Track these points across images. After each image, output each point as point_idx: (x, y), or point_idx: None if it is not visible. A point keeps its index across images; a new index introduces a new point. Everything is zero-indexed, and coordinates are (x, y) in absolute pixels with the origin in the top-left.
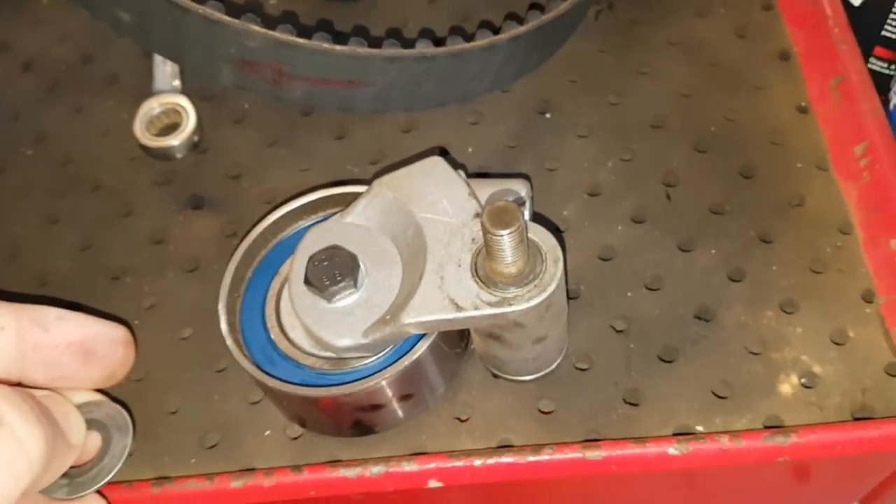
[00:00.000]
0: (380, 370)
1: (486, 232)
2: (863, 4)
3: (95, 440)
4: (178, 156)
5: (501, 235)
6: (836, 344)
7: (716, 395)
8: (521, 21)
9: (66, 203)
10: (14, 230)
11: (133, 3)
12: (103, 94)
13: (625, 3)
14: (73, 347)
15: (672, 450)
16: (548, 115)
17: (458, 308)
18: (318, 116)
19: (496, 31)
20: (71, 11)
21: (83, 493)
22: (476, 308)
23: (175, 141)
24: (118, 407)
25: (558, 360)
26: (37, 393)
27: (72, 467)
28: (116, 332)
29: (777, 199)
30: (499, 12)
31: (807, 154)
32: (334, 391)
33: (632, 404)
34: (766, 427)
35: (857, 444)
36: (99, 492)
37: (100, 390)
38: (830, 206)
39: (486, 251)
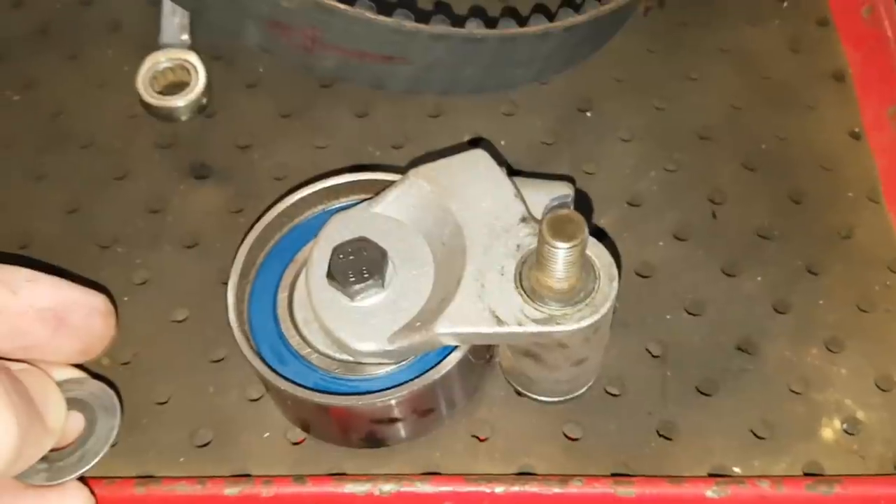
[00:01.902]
0: (403, 382)
1: (543, 242)
2: None
3: (77, 421)
4: (183, 118)
5: (561, 248)
6: (882, 390)
7: (755, 434)
8: (577, 9)
9: (54, 158)
10: None
11: None
12: (102, 41)
13: (675, 3)
14: (44, 314)
15: (710, 492)
16: (588, 114)
17: (500, 322)
18: (339, 89)
19: (551, 17)
20: None
21: (63, 480)
22: (520, 324)
23: (180, 101)
24: (103, 385)
25: (590, 383)
26: (12, 366)
27: (52, 450)
28: (95, 299)
29: (826, 229)
30: None
31: (858, 183)
32: (353, 401)
33: (665, 438)
34: (807, 474)
35: None
36: (82, 479)
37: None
38: (881, 242)
39: (537, 261)
